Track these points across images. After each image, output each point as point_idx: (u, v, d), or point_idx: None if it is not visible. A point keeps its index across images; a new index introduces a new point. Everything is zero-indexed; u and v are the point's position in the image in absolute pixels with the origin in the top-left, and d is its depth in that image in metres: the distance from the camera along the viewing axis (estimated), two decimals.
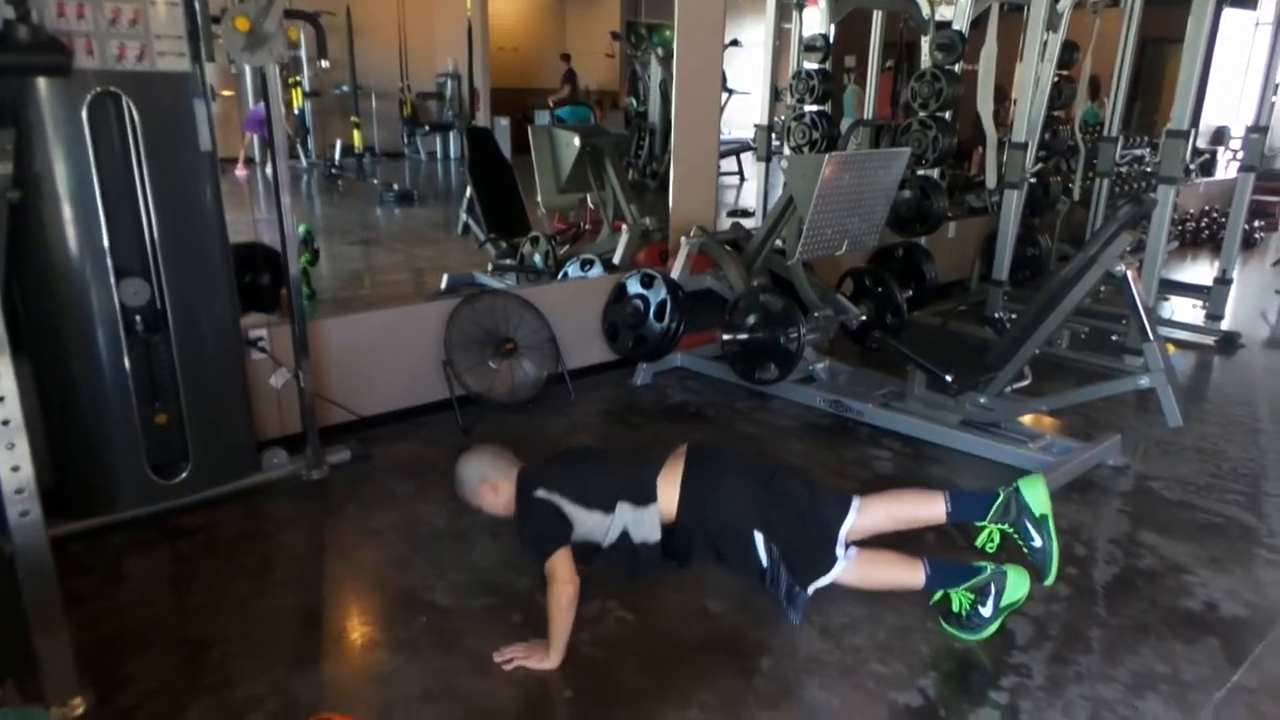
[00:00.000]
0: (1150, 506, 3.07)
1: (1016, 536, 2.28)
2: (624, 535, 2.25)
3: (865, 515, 2.29)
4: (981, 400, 3.46)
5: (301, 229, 4.94)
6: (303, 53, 9.75)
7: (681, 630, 2.32)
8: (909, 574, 2.28)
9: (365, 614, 2.42)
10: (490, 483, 2.32)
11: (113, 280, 2.52)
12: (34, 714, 1.16)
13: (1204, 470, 3.35)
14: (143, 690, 2.03)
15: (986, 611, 2.24)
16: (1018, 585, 2.23)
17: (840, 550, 2.24)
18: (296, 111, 9.81)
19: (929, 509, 2.34)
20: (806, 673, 2.15)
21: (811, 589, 2.25)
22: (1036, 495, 2.26)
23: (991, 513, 2.28)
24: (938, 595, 2.32)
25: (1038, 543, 2.25)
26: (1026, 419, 3.57)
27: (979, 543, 2.32)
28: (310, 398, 3.06)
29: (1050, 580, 2.29)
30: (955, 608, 2.30)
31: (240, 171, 8.62)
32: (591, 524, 2.25)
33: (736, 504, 2.26)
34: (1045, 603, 2.46)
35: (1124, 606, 2.46)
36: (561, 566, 2.13)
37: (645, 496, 2.26)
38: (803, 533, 2.24)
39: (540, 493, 2.23)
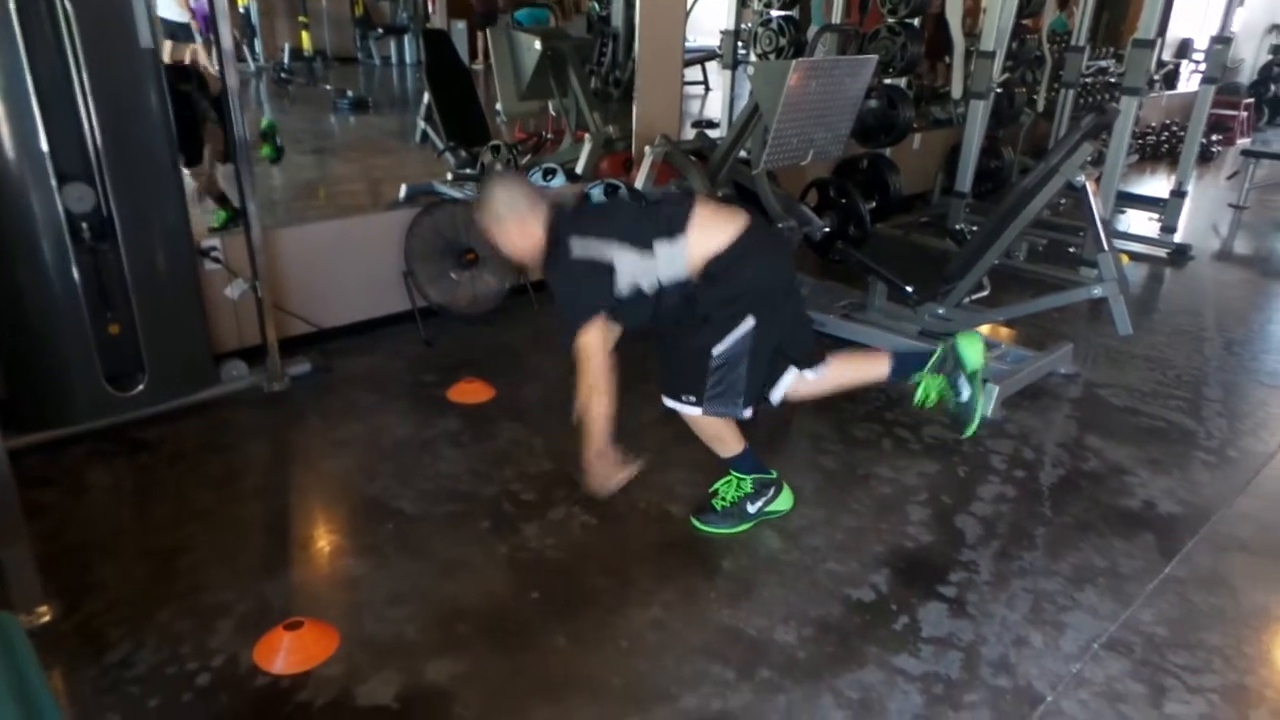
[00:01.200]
0: (1097, 412, 3.18)
1: (950, 390, 2.34)
2: (658, 281, 2.13)
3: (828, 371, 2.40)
4: (940, 311, 3.51)
5: (264, 122, 4.78)
6: None
7: (644, 533, 2.38)
8: (876, 367, 2.42)
9: (332, 522, 2.45)
10: (521, 219, 2.11)
11: (54, 186, 2.42)
12: (3, 618, 1.16)
13: (1150, 378, 3.46)
14: (110, 598, 2.05)
15: (752, 509, 2.37)
16: (785, 500, 2.43)
17: (787, 383, 2.36)
18: (241, 10, 9.33)
19: (876, 368, 2.43)
20: (765, 571, 2.23)
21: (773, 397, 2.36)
22: (971, 351, 2.32)
23: (930, 364, 2.35)
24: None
25: (964, 396, 2.33)
26: (983, 329, 3.64)
27: (916, 400, 2.38)
28: (268, 309, 3.01)
29: (969, 433, 2.39)
30: (721, 501, 2.40)
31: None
32: (635, 265, 2.10)
33: (766, 279, 2.18)
34: (994, 503, 2.56)
35: (1068, 506, 2.57)
36: (594, 337, 2.03)
37: (674, 230, 2.10)
38: (799, 334, 2.33)
39: (575, 243, 2.06)
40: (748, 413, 2.25)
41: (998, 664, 1.95)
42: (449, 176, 4.90)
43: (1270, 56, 10.68)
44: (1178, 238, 5.29)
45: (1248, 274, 5.18)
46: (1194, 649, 2.02)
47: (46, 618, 1.95)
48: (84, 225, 2.50)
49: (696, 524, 2.40)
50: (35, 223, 2.43)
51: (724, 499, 2.40)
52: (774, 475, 2.42)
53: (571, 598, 2.11)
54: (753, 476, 2.39)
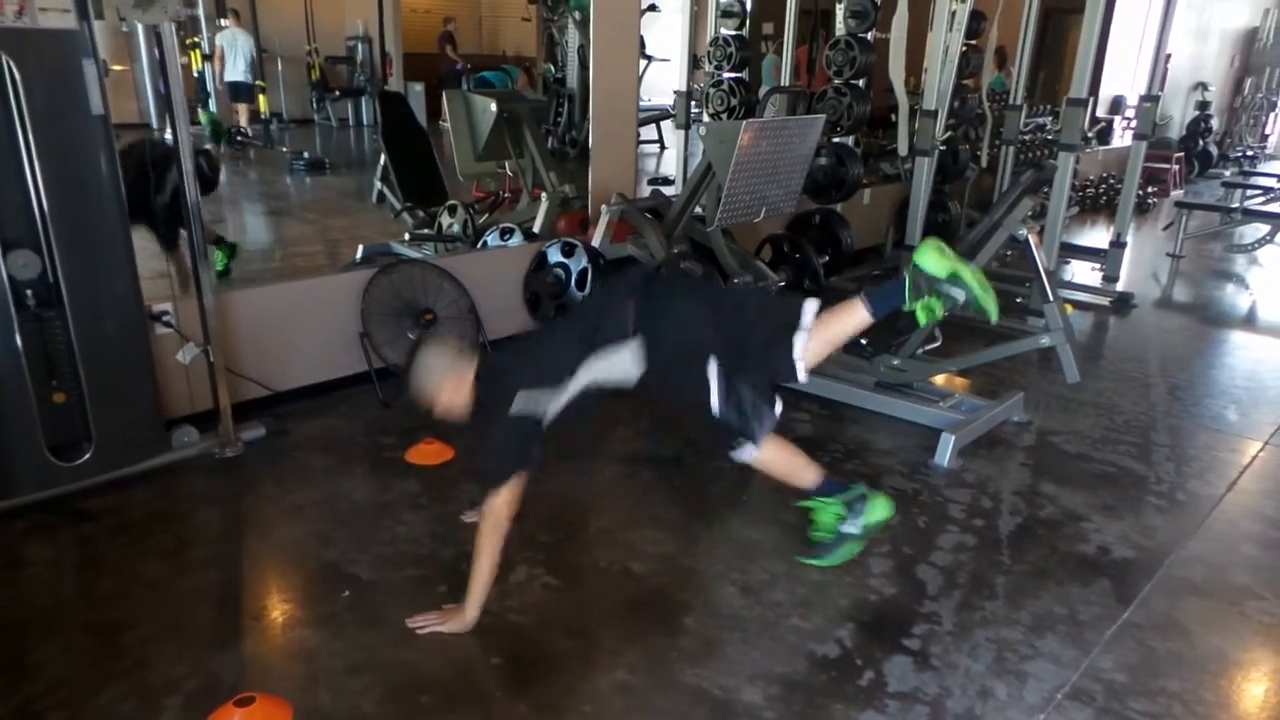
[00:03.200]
0: (1050, 459, 3.23)
1: (943, 302, 2.25)
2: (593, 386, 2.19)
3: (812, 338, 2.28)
4: (895, 362, 3.57)
5: (204, 118, 4.62)
6: (200, 11, 9.26)
7: (606, 594, 2.35)
8: (806, 470, 2.41)
9: (287, 590, 2.38)
10: (455, 379, 2.18)
11: None
12: None
13: (1099, 424, 3.54)
14: (51, 678, 1.96)
15: (854, 529, 2.40)
16: (882, 507, 2.43)
17: (797, 353, 2.24)
18: (195, 74, 9.34)
19: (856, 316, 2.29)
20: (729, 629, 2.21)
21: (778, 408, 2.34)
22: (931, 261, 2.24)
23: (908, 295, 2.26)
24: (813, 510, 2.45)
25: (961, 298, 2.22)
26: (938, 379, 3.71)
27: (922, 322, 2.31)
28: (220, 373, 2.96)
29: (996, 318, 2.30)
30: (825, 532, 2.43)
31: None
32: (560, 398, 2.15)
33: (689, 331, 2.23)
34: (954, 552, 2.58)
35: (1026, 554, 2.60)
36: (510, 496, 2.07)
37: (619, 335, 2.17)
38: (761, 338, 2.30)
39: (517, 406, 2.09)
40: (779, 408, 2.32)
41: (964, 717, 1.94)
42: (406, 237, 4.91)
43: (1196, 113, 11.23)
44: (1120, 286, 5.47)
45: (1187, 320, 5.36)
46: (1154, 695, 2.03)
47: None
48: (29, 292, 2.45)
49: (811, 562, 2.43)
50: None
51: (823, 529, 2.43)
52: (860, 489, 2.44)
53: (534, 662, 2.07)
54: (839, 497, 2.42)
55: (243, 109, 9.65)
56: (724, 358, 2.22)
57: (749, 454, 2.31)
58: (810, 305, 2.27)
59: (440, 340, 2.30)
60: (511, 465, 2.09)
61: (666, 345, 2.20)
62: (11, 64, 2.30)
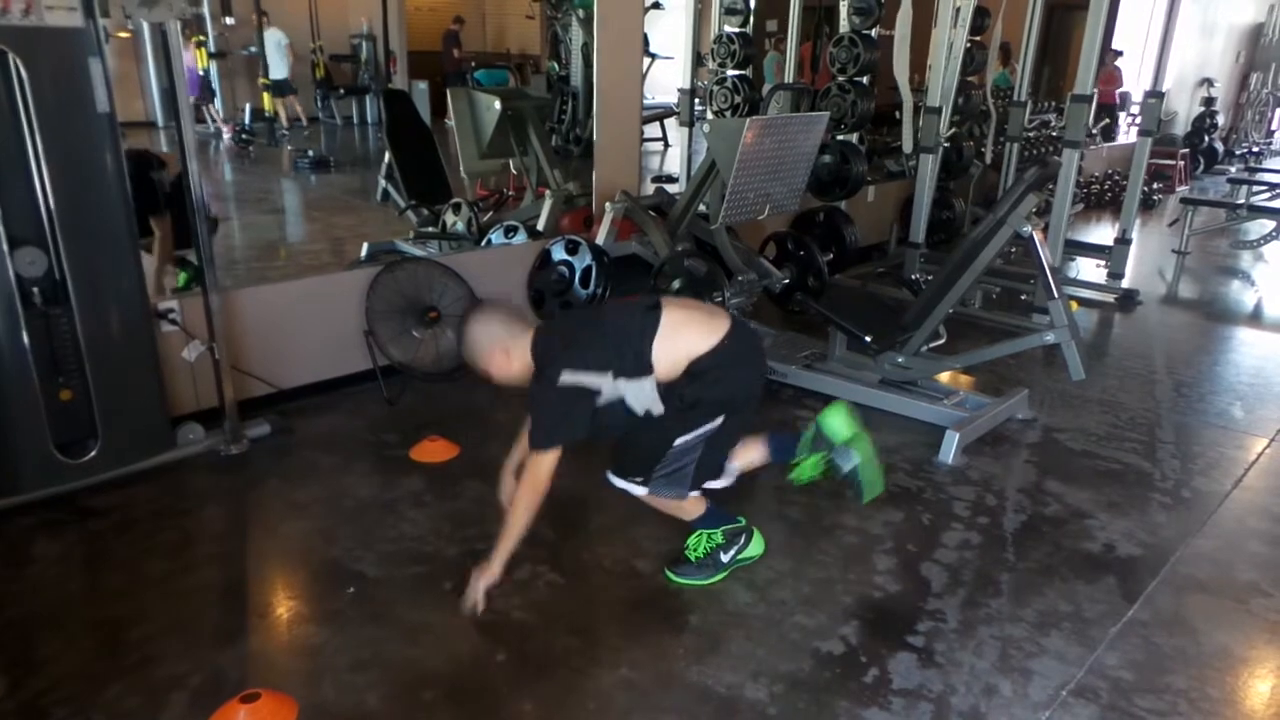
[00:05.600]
0: (1055, 457, 3.23)
1: (824, 463, 2.33)
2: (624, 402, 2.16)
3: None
4: (899, 359, 3.56)
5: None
6: (205, 9, 9.29)
7: (611, 591, 2.36)
8: (694, 508, 2.36)
9: (291, 587, 2.39)
10: (504, 347, 2.15)
11: (6, 250, 2.39)
12: None
13: (1104, 421, 3.53)
14: (57, 674, 1.97)
15: (725, 559, 2.39)
16: (756, 545, 2.45)
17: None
18: (201, 72, 9.37)
19: (756, 451, 2.43)
20: (733, 626, 2.21)
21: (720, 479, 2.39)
22: (835, 423, 2.30)
23: (800, 445, 2.36)
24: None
25: (847, 467, 2.31)
26: (942, 376, 3.70)
27: (790, 476, 2.39)
28: (225, 370, 2.97)
29: (865, 500, 2.39)
30: (692, 554, 2.40)
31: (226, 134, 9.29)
32: (613, 390, 2.12)
33: (745, 387, 2.24)
34: (958, 550, 2.57)
35: (1031, 551, 2.59)
36: (551, 462, 2.07)
37: (640, 366, 2.11)
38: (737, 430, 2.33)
39: (566, 376, 2.06)
40: (694, 494, 2.28)
41: (969, 715, 1.94)
42: (411, 235, 4.92)
43: (1202, 109, 11.19)
44: (1125, 283, 5.45)
45: (1193, 317, 5.34)
46: (1160, 693, 2.03)
47: None
48: (35, 290, 2.46)
49: (670, 576, 2.38)
50: None
51: (696, 550, 2.40)
52: (742, 522, 2.43)
53: (538, 659, 2.07)
54: (722, 529, 2.39)
55: (283, 105, 10.01)
56: (727, 423, 2.21)
57: (634, 491, 2.26)
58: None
59: (490, 308, 2.25)
60: (559, 431, 2.07)
61: (716, 384, 2.14)
62: (19, 62, 2.31)
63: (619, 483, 2.28)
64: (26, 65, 2.32)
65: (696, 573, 2.38)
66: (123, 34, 7.48)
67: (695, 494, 2.30)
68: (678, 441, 2.18)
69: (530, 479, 2.09)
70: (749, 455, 2.44)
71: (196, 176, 2.76)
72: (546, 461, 2.07)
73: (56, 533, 2.53)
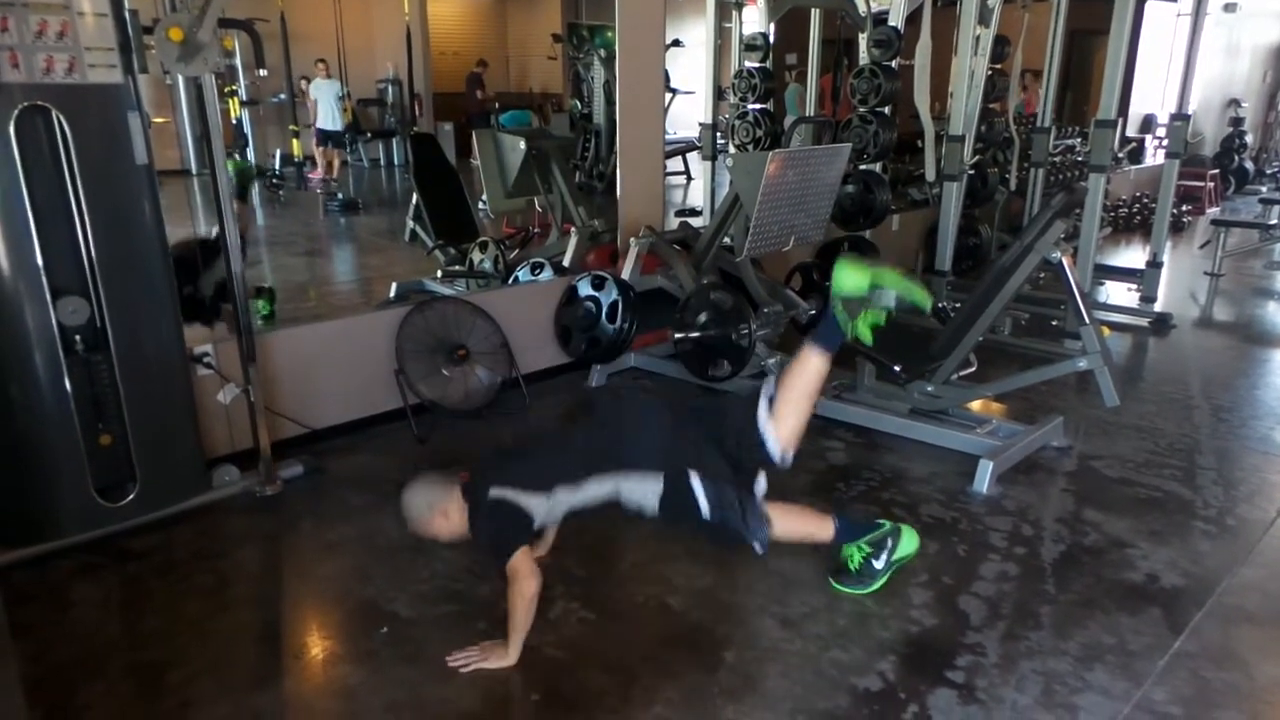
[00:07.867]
0: (1093, 485, 3.17)
1: (879, 312, 2.28)
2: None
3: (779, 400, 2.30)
4: (929, 388, 3.53)
5: (231, 166, 4.62)
6: (238, 60, 9.55)
7: (644, 628, 2.34)
8: (820, 527, 2.41)
9: (326, 628, 2.40)
10: (440, 509, 2.27)
11: (49, 299, 2.45)
12: None
13: (1142, 447, 3.47)
14: (97, 718, 1.98)
15: (879, 564, 2.43)
16: (909, 542, 2.48)
17: (762, 420, 2.26)
18: (234, 121, 9.61)
19: (810, 362, 2.34)
20: (769, 663, 2.18)
21: (759, 489, 2.29)
22: (849, 282, 2.28)
23: (844, 325, 2.30)
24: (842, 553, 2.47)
25: (892, 301, 2.26)
26: (974, 405, 3.66)
27: (866, 338, 2.30)
28: (260, 412, 3.01)
29: (928, 306, 2.33)
30: (851, 564, 2.44)
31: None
32: (546, 507, 2.22)
33: (648, 452, 2.25)
34: (997, 582, 2.53)
35: (1071, 582, 2.54)
36: (522, 564, 2.13)
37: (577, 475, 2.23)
38: (728, 433, 2.29)
39: (493, 492, 2.18)
40: (761, 486, 2.30)
41: None
42: (439, 274, 4.98)
43: (1230, 129, 11.09)
44: (1158, 307, 5.38)
45: (1229, 340, 5.25)
46: None
47: None
48: (77, 338, 2.52)
49: (834, 585, 2.46)
50: (28, 336, 2.46)
51: (853, 561, 2.45)
52: (886, 526, 2.46)
53: (572, 698, 2.06)
54: (863, 540, 2.43)
55: (335, 155, 10.08)
56: (703, 467, 2.21)
57: (759, 549, 2.27)
58: (770, 378, 2.36)
59: (414, 482, 2.34)
60: (509, 544, 2.15)
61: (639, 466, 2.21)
62: (62, 119, 2.39)
63: (758, 550, 2.27)
64: (69, 121, 2.40)
65: (857, 582, 2.45)
66: (159, 120, 7.73)
67: (810, 516, 2.39)
68: (705, 511, 2.18)
69: (514, 585, 2.13)
70: (802, 373, 2.33)
71: (231, 221, 2.83)
72: (516, 567, 2.13)
73: (96, 576, 2.57)
